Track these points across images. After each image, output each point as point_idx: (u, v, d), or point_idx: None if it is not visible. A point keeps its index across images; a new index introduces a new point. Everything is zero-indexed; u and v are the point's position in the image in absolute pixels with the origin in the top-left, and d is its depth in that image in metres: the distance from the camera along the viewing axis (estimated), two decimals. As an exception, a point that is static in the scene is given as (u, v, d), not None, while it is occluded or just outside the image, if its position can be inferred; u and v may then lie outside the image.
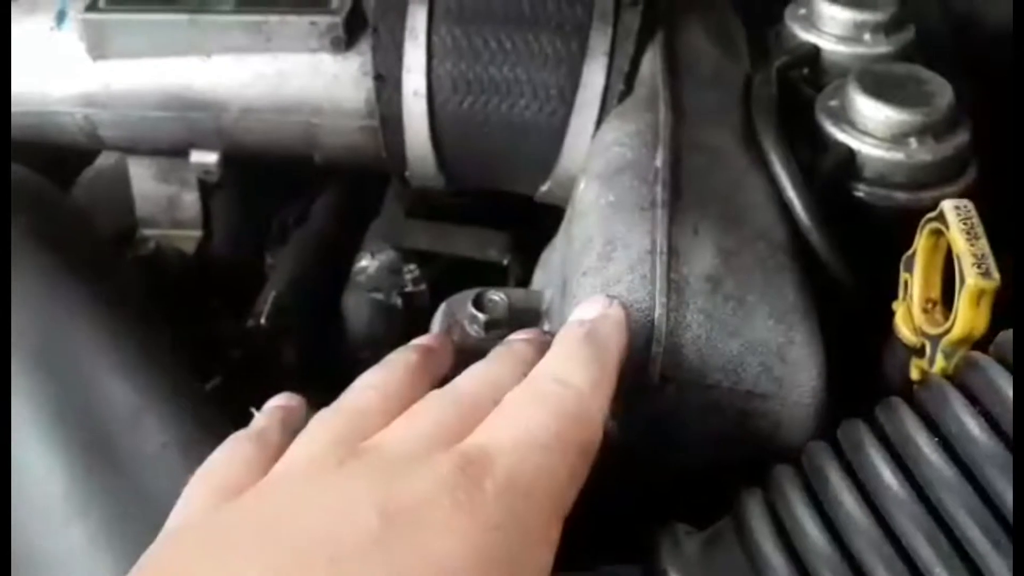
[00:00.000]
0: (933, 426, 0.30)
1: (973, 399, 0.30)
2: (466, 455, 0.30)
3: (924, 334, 0.40)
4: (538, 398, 0.33)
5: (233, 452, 0.35)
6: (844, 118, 0.49)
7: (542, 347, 0.40)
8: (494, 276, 0.59)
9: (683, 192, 0.44)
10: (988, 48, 0.63)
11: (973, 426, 0.29)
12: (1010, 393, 0.29)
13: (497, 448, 0.30)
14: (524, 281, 0.56)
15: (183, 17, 0.52)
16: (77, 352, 0.41)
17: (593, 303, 0.38)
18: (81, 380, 0.40)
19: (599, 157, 0.47)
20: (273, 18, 0.52)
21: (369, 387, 0.36)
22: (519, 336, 0.41)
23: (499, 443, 0.30)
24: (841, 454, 0.32)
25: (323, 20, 0.52)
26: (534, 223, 0.58)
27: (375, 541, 0.27)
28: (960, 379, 0.32)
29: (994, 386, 0.29)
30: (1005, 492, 0.27)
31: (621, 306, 0.37)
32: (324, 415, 0.35)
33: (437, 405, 0.33)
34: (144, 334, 0.44)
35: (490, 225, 0.62)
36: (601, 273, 0.41)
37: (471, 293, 0.45)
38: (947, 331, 0.37)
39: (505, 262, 0.58)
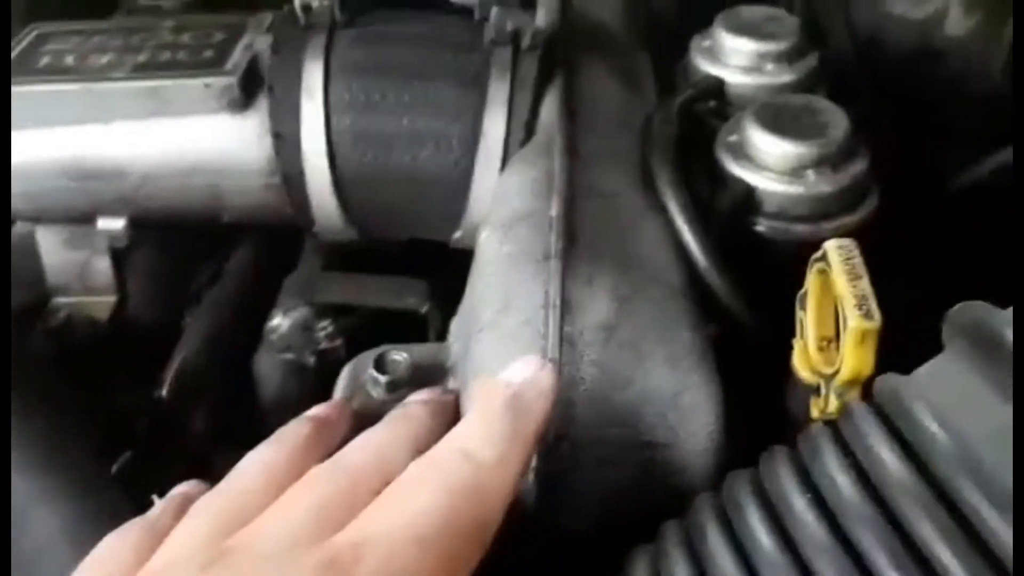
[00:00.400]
0: (807, 480, 0.30)
1: (846, 450, 0.30)
2: (332, 555, 0.28)
3: (819, 374, 0.40)
4: (433, 475, 0.32)
5: (123, 540, 0.34)
6: (742, 153, 0.49)
7: (441, 408, 0.39)
8: (414, 326, 0.58)
9: (577, 240, 0.43)
10: (894, 69, 0.64)
11: (842, 481, 0.28)
12: (877, 444, 0.28)
13: (369, 542, 0.29)
14: (444, 327, 0.56)
15: (77, 87, 0.52)
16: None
17: (526, 364, 0.36)
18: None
19: (498, 207, 0.47)
20: (168, 83, 0.51)
21: (256, 464, 0.35)
22: (415, 398, 0.40)
23: (373, 536, 0.29)
24: (722, 510, 0.32)
25: (218, 82, 0.51)
26: (454, 269, 0.57)
27: None
28: (837, 427, 0.32)
29: (862, 436, 0.29)
30: (872, 551, 0.26)
31: (552, 371, 0.36)
32: (208, 498, 0.34)
33: (315, 487, 0.32)
34: (44, 418, 0.43)
35: (411, 273, 0.61)
36: (498, 328, 0.41)
37: (373, 354, 0.44)
38: (837, 371, 0.37)
39: (424, 310, 0.58)
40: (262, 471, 0.35)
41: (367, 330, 0.57)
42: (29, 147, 0.54)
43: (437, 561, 0.29)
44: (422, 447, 0.34)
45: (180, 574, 0.29)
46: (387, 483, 0.32)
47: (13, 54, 0.55)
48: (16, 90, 0.53)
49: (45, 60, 0.54)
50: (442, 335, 0.57)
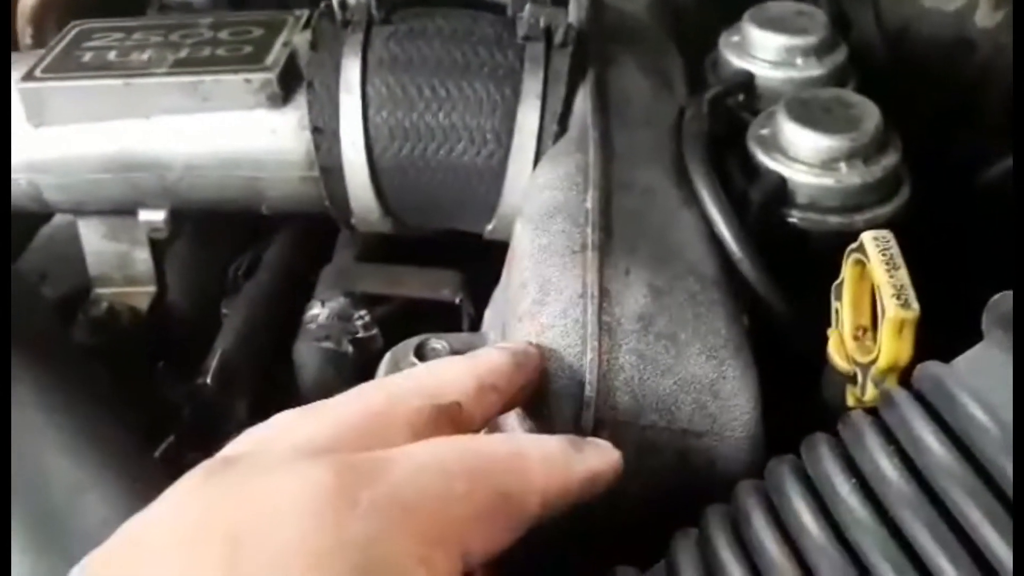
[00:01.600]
0: (851, 465, 0.30)
1: (889, 436, 0.30)
2: (351, 463, 0.28)
3: (855, 362, 0.40)
4: (466, 440, 0.32)
5: None
6: (774, 146, 0.50)
7: (522, 355, 0.38)
8: (447, 315, 0.59)
9: (614, 233, 0.44)
10: (925, 61, 0.64)
11: (886, 466, 0.29)
12: (922, 431, 0.29)
13: (392, 460, 0.29)
14: (477, 316, 0.57)
15: (118, 82, 0.53)
16: (23, 432, 0.41)
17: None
18: (27, 460, 0.40)
19: (533, 200, 0.48)
20: (208, 78, 0.52)
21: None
22: (499, 344, 0.40)
23: (397, 456, 0.29)
24: (766, 495, 0.32)
25: (257, 77, 0.52)
26: (486, 260, 0.58)
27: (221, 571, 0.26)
28: (879, 414, 0.32)
29: (907, 424, 0.30)
30: (920, 534, 0.27)
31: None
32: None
33: (349, 402, 0.32)
34: (90, 407, 0.44)
35: (443, 264, 0.62)
36: (535, 318, 0.42)
37: (414, 342, 0.45)
38: (874, 360, 0.38)
39: (457, 301, 0.59)
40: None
41: (402, 319, 0.58)
42: (70, 141, 0.55)
43: (461, 498, 0.29)
44: (485, 385, 0.34)
45: (183, 481, 0.29)
46: (433, 407, 0.32)
47: (56, 50, 0.57)
48: (59, 85, 0.54)
49: (87, 56, 0.55)
50: (475, 324, 0.58)
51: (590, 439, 0.35)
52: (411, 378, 0.35)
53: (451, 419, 0.33)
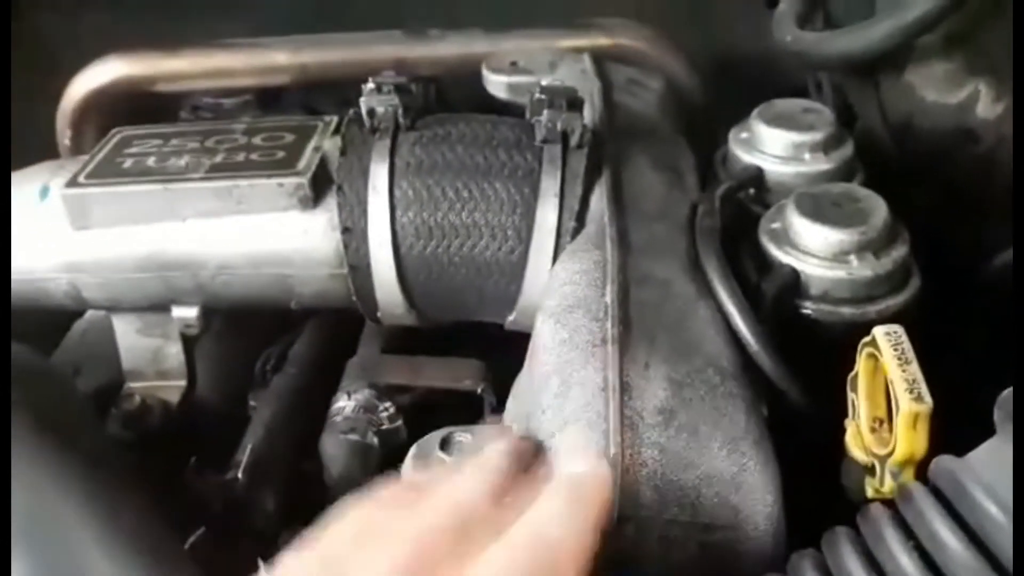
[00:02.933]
0: (872, 561, 0.31)
1: (908, 532, 0.31)
2: (432, 540, 0.30)
3: (873, 454, 0.41)
4: (514, 558, 0.33)
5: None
6: (786, 240, 0.51)
7: (517, 454, 0.40)
8: (469, 404, 0.60)
9: (633, 326, 0.46)
10: (929, 153, 0.66)
11: (906, 563, 0.30)
12: (939, 527, 0.30)
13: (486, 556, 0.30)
14: (499, 405, 0.58)
15: (158, 187, 0.56)
16: (57, 526, 0.42)
17: (582, 456, 0.39)
18: (62, 556, 0.41)
19: (553, 294, 0.49)
20: (243, 183, 0.55)
21: (352, 518, 0.36)
22: (493, 446, 0.41)
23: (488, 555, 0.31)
24: (790, 591, 0.33)
25: (290, 181, 0.55)
26: (508, 349, 0.60)
27: None
28: (897, 508, 0.33)
29: (925, 519, 0.30)
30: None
31: (607, 462, 0.38)
32: (297, 554, 0.35)
33: (396, 546, 0.33)
34: (122, 500, 0.45)
35: (465, 354, 0.64)
36: (559, 412, 0.43)
37: (438, 435, 0.46)
38: (891, 452, 0.39)
39: (479, 391, 0.60)
40: (354, 525, 0.36)
41: (425, 408, 0.60)
42: (110, 243, 0.58)
43: None
44: (498, 492, 0.36)
45: None
46: (466, 534, 0.34)
47: (98, 156, 0.60)
48: (102, 191, 0.57)
49: (128, 163, 0.58)
50: (497, 411, 0.59)
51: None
52: (432, 506, 0.36)
53: (481, 531, 0.34)
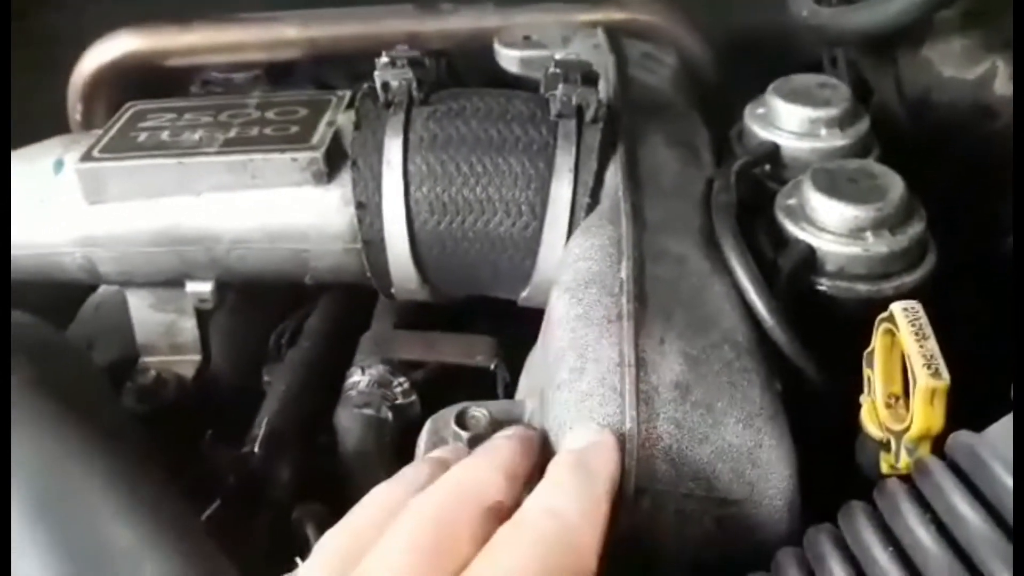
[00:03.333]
0: (889, 534, 0.31)
1: (925, 505, 0.31)
2: (450, 515, 0.31)
3: (888, 430, 0.41)
4: (527, 534, 0.34)
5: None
6: (802, 216, 0.51)
7: (527, 442, 0.41)
8: (482, 380, 0.60)
9: (648, 302, 0.46)
10: (946, 129, 0.66)
11: (924, 536, 0.30)
12: (957, 500, 0.30)
13: (500, 535, 0.31)
14: (512, 381, 0.58)
15: (172, 161, 0.56)
16: (78, 499, 0.42)
17: (584, 432, 0.40)
18: (83, 529, 0.42)
19: (568, 270, 0.49)
20: (257, 156, 0.55)
21: (377, 498, 0.37)
22: (502, 434, 0.42)
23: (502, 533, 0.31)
24: (806, 563, 0.33)
25: (304, 156, 0.55)
26: (520, 325, 0.60)
27: None
28: (914, 482, 0.33)
29: (943, 493, 0.31)
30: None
31: (611, 433, 0.39)
32: (333, 533, 0.36)
33: (416, 525, 0.34)
34: (141, 473, 0.46)
35: (477, 330, 0.64)
36: (574, 387, 0.43)
37: (453, 410, 0.47)
38: (907, 428, 0.39)
39: (492, 367, 0.60)
40: (381, 506, 0.36)
41: (438, 383, 0.60)
42: (125, 217, 0.58)
43: None
44: (511, 475, 0.37)
45: None
46: (483, 513, 0.34)
47: (112, 131, 0.60)
48: (116, 165, 0.57)
49: (142, 137, 0.58)
50: (509, 388, 0.59)
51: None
52: (451, 488, 0.36)
53: (497, 516, 0.35)
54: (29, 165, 0.60)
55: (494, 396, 0.60)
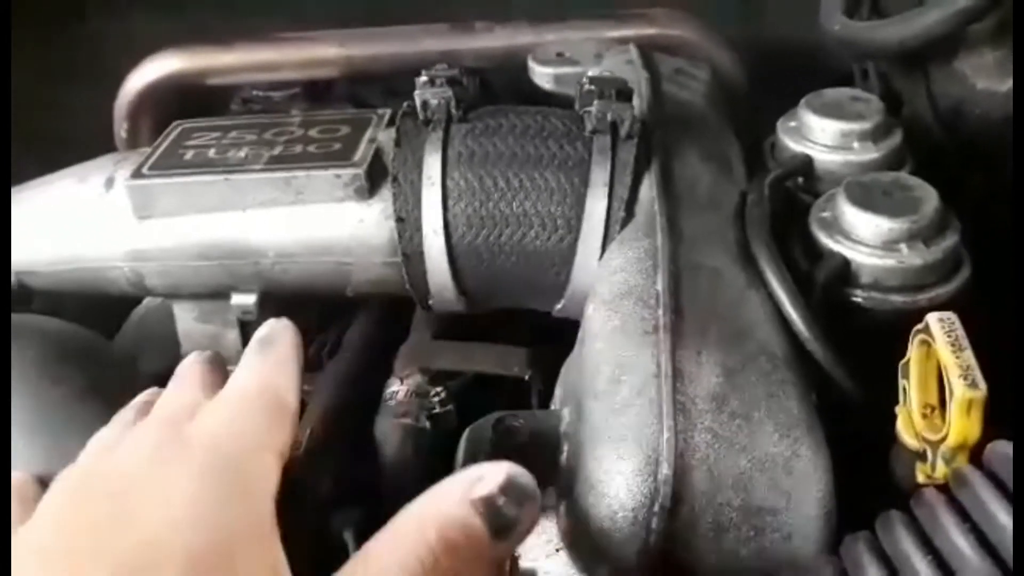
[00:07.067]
0: (927, 543, 0.32)
1: (964, 515, 0.32)
2: (166, 416, 0.41)
3: (925, 440, 0.41)
4: (225, 400, 0.45)
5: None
6: (836, 228, 0.52)
7: (209, 363, 0.51)
8: (516, 390, 0.61)
9: (684, 314, 0.46)
10: (980, 141, 0.66)
11: (964, 545, 0.30)
12: (997, 510, 0.30)
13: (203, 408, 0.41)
14: (546, 391, 0.59)
15: (219, 178, 0.57)
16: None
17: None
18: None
19: (604, 283, 0.50)
20: (301, 173, 0.57)
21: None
22: (184, 363, 0.51)
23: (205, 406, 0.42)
24: (844, 573, 0.34)
25: (347, 172, 0.56)
26: (554, 336, 0.61)
27: (96, 528, 0.35)
28: (952, 493, 0.34)
29: (982, 503, 0.31)
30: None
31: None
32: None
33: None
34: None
35: (512, 341, 0.65)
36: (611, 398, 0.44)
37: (491, 419, 0.48)
38: (944, 438, 0.39)
39: (527, 377, 0.61)
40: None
41: (473, 394, 0.61)
42: (173, 232, 0.60)
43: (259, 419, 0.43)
44: (205, 387, 0.47)
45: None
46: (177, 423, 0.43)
47: (160, 148, 0.62)
48: (165, 182, 0.59)
49: (189, 154, 0.60)
50: (543, 399, 0.60)
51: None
52: (159, 417, 0.45)
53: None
54: (82, 182, 0.62)
55: (528, 405, 0.60)
